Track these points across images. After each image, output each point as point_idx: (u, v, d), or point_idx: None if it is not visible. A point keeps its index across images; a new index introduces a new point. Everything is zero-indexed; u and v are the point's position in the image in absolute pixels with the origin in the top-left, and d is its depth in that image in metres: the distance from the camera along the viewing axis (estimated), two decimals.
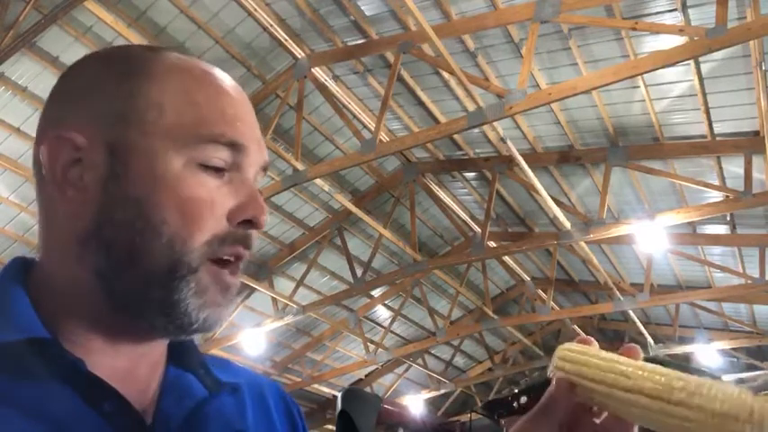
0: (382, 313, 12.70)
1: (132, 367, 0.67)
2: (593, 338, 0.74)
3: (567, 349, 0.72)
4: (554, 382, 0.71)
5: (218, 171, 0.65)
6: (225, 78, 0.70)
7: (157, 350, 0.71)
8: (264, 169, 0.71)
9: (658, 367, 0.63)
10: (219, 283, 0.65)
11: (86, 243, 0.63)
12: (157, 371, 0.71)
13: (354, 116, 7.70)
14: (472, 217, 10.06)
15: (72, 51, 6.42)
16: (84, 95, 0.66)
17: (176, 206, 0.62)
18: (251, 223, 0.66)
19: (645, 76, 6.18)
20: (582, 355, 0.70)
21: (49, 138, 0.65)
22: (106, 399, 0.62)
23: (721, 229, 9.23)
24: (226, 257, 0.65)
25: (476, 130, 7.50)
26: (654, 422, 0.61)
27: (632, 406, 0.62)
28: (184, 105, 0.65)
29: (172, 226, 0.62)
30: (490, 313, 11.52)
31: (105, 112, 0.64)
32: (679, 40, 5.43)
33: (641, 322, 11.81)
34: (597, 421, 0.73)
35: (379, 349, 12.40)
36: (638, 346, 0.71)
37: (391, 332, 12.64)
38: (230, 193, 0.66)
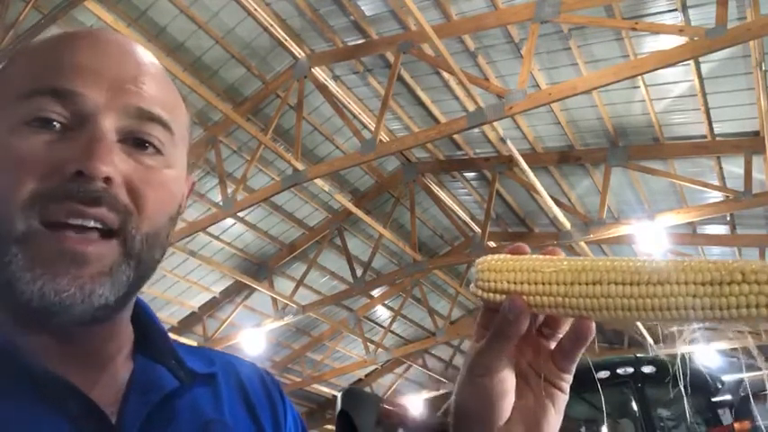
0: (382, 313, 12.70)
1: (88, 363, 0.64)
2: (525, 246, 0.68)
3: (494, 260, 0.68)
4: (505, 301, 0.63)
5: (46, 125, 0.59)
6: (81, 33, 0.65)
7: (109, 342, 0.66)
8: (149, 118, 0.63)
9: (609, 258, 0.64)
10: (56, 247, 0.57)
11: None
12: (123, 365, 0.67)
13: (354, 116, 7.70)
14: (472, 217, 10.06)
15: None
16: None
17: None
18: (82, 175, 0.57)
19: (645, 76, 6.18)
20: (519, 263, 0.66)
21: None
22: (68, 398, 0.59)
23: (721, 230, 9.23)
24: (62, 219, 0.57)
25: (476, 131, 7.50)
26: (638, 311, 0.61)
27: (607, 297, 0.62)
28: (17, 72, 0.62)
29: None
30: None
31: None
32: (679, 41, 5.43)
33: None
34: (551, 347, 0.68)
35: (379, 349, 12.41)
36: (557, 249, 0.68)
37: (391, 332, 12.64)
38: (66, 146, 0.58)
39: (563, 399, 0.68)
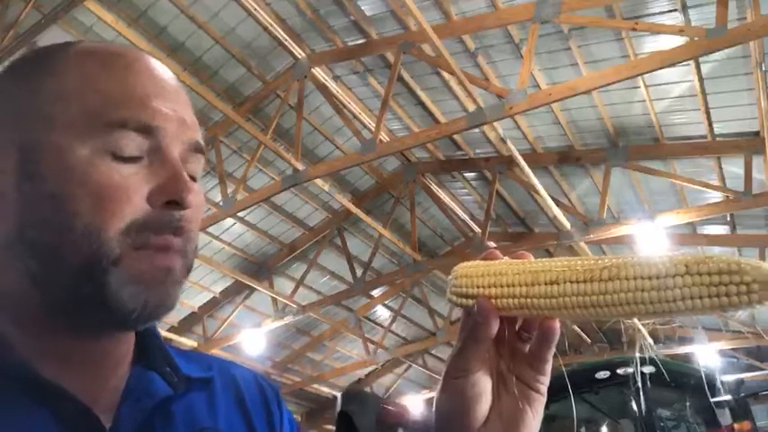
0: (382, 313, 12.71)
1: (91, 371, 0.66)
2: (498, 252, 0.71)
3: (466, 267, 0.71)
4: (474, 305, 0.67)
5: (132, 158, 0.62)
6: (137, 58, 0.67)
7: (118, 350, 0.69)
8: (197, 150, 0.68)
9: (565, 259, 0.66)
10: (150, 266, 0.62)
11: (12, 248, 0.62)
12: (122, 372, 0.69)
13: (354, 116, 7.70)
14: (472, 217, 10.06)
15: None
16: None
17: (88, 196, 0.60)
18: (176, 204, 0.63)
19: (645, 76, 6.18)
20: (488, 267, 0.69)
21: None
22: (61, 403, 0.61)
23: (721, 230, 9.22)
24: (153, 247, 0.62)
25: (476, 131, 7.49)
26: (593, 308, 0.62)
27: (564, 296, 0.63)
28: (88, 93, 0.63)
29: (84, 217, 0.60)
30: None
31: (11, 116, 0.64)
32: (679, 41, 5.43)
33: (641, 322, 11.80)
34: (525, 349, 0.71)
35: (379, 349, 12.41)
36: (526, 253, 0.70)
37: (391, 332, 12.64)
38: (149, 176, 0.63)
39: (540, 400, 0.71)
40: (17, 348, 0.62)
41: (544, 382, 0.70)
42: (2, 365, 0.60)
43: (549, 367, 0.70)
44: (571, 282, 0.63)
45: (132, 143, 0.62)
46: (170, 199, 0.62)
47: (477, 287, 0.68)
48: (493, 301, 0.67)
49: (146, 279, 0.62)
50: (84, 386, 0.63)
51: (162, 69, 0.68)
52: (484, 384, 0.70)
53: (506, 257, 0.70)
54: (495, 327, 0.66)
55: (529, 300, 0.65)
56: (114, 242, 0.61)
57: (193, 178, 0.67)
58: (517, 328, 0.71)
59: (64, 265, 0.61)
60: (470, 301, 0.68)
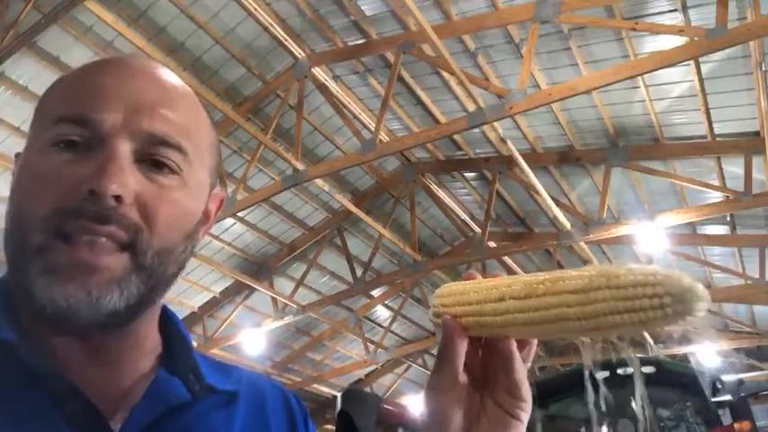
0: (382, 313, 12.70)
1: (106, 373, 0.66)
2: (476, 273, 0.71)
3: (444, 287, 0.71)
4: (441, 323, 0.67)
5: (68, 146, 0.63)
6: (111, 61, 0.70)
7: (132, 354, 0.69)
8: (161, 143, 0.66)
9: (525, 275, 0.65)
10: (68, 258, 0.60)
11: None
12: (140, 375, 0.69)
13: (354, 116, 7.70)
14: (472, 217, 10.06)
15: (72, 51, 6.42)
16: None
17: (23, 186, 0.64)
18: (94, 193, 0.61)
19: (645, 76, 6.18)
20: (456, 287, 0.69)
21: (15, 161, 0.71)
22: (71, 402, 0.61)
23: (721, 230, 9.22)
24: (75, 234, 0.60)
25: (476, 131, 7.50)
26: (531, 325, 0.61)
27: (507, 313, 0.62)
28: (51, 99, 0.69)
29: (16, 205, 0.63)
30: None
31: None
32: (679, 41, 5.43)
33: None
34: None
35: (379, 349, 12.41)
36: (499, 273, 0.70)
37: (391, 332, 12.64)
38: (83, 166, 0.62)
39: (518, 426, 0.70)
40: (36, 348, 0.63)
41: (521, 407, 0.69)
42: (18, 362, 0.61)
43: (524, 392, 0.69)
44: (513, 298, 0.62)
45: (67, 133, 0.64)
46: (89, 188, 0.61)
47: (444, 306, 0.68)
48: (459, 319, 0.66)
49: (60, 271, 0.60)
50: (98, 386, 0.64)
51: (138, 65, 0.69)
52: (457, 405, 0.69)
53: (484, 278, 0.70)
54: (460, 345, 0.67)
55: (482, 318, 0.64)
56: (36, 229, 0.61)
57: (171, 169, 0.66)
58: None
59: (7, 258, 0.64)
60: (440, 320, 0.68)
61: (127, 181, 0.62)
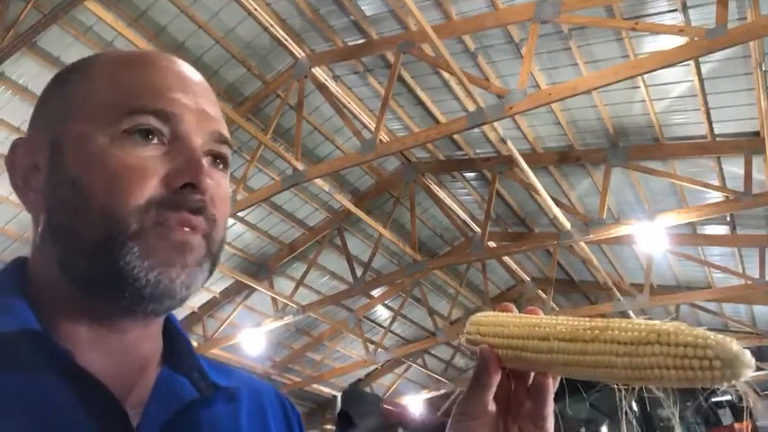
0: (382, 313, 12.70)
1: (122, 364, 0.67)
2: (512, 305, 0.74)
3: (480, 315, 0.74)
4: (478, 352, 0.70)
5: (148, 138, 0.65)
6: (160, 57, 0.74)
7: (145, 345, 0.70)
8: (221, 141, 0.71)
9: (566, 317, 0.68)
10: (168, 241, 0.64)
11: (45, 237, 0.66)
12: (150, 371, 0.70)
13: (354, 116, 7.70)
14: (472, 217, 10.06)
15: (72, 51, 6.42)
16: (37, 108, 0.73)
17: (104, 178, 0.64)
18: (192, 187, 0.65)
19: (645, 76, 6.18)
20: (495, 318, 0.72)
21: (9, 150, 0.71)
22: (93, 393, 0.62)
23: (721, 230, 9.22)
24: (173, 223, 0.64)
25: (476, 131, 7.50)
26: (574, 367, 0.64)
27: (551, 353, 0.65)
28: (112, 88, 0.68)
29: (100, 197, 0.63)
30: None
31: (49, 116, 0.70)
32: (679, 41, 5.43)
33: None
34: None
35: (379, 349, 12.40)
36: (537, 309, 0.72)
37: (391, 332, 12.64)
38: (167, 160, 0.65)
39: None
40: (56, 337, 0.64)
41: None
42: (43, 352, 0.62)
43: (549, 424, 0.72)
44: (558, 339, 0.65)
45: (149, 126, 0.66)
46: (186, 181, 0.65)
47: (483, 335, 0.71)
48: (496, 351, 0.69)
49: (161, 254, 0.63)
50: (116, 380, 0.65)
51: (186, 67, 0.75)
52: (483, 431, 0.72)
53: (519, 312, 0.73)
54: (495, 374, 0.70)
55: (523, 353, 0.67)
56: (132, 218, 0.63)
57: (225, 165, 0.71)
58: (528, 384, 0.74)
59: (81, 245, 0.64)
60: (477, 348, 0.72)
61: (212, 175, 0.67)
